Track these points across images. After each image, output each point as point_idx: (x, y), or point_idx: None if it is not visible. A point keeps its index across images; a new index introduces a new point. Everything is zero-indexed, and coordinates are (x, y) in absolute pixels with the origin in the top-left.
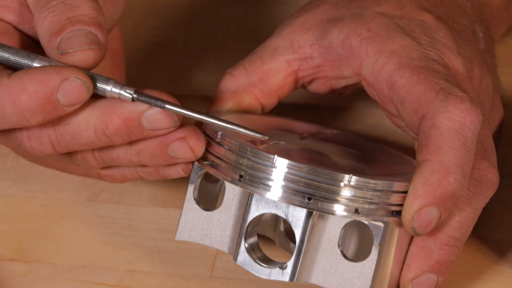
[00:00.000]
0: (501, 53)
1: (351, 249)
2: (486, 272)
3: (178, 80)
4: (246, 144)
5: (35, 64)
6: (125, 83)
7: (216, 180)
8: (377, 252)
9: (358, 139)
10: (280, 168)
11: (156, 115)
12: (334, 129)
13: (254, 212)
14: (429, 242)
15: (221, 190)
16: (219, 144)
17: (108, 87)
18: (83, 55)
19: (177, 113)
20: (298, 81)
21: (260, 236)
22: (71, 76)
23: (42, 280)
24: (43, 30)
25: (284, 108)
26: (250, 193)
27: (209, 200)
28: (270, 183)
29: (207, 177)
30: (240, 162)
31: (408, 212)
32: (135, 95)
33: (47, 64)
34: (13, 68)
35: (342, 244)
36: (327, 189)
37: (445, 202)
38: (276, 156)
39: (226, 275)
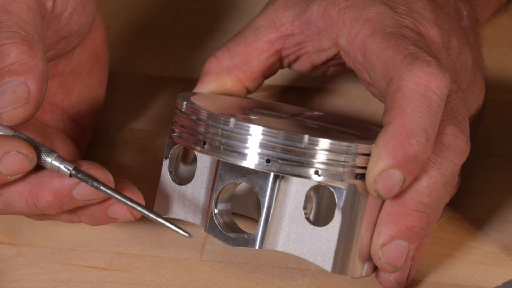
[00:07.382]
0: (488, 34)
1: (322, 216)
2: (458, 249)
3: (166, 62)
4: (204, 110)
5: None
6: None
7: (194, 160)
8: (340, 216)
9: (343, 119)
10: (241, 132)
11: (86, 189)
12: (321, 112)
13: (222, 180)
14: (397, 208)
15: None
16: (185, 114)
17: (49, 159)
18: (9, 116)
19: (109, 196)
20: (283, 60)
21: (248, 218)
22: (12, 151)
23: (32, 263)
24: None
25: (274, 90)
26: (218, 161)
27: (188, 181)
28: (233, 148)
29: (184, 159)
30: (202, 130)
31: (370, 175)
32: (73, 172)
33: None
34: None
35: (316, 211)
36: (286, 150)
37: (407, 165)
38: (232, 119)
39: (215, 258)
